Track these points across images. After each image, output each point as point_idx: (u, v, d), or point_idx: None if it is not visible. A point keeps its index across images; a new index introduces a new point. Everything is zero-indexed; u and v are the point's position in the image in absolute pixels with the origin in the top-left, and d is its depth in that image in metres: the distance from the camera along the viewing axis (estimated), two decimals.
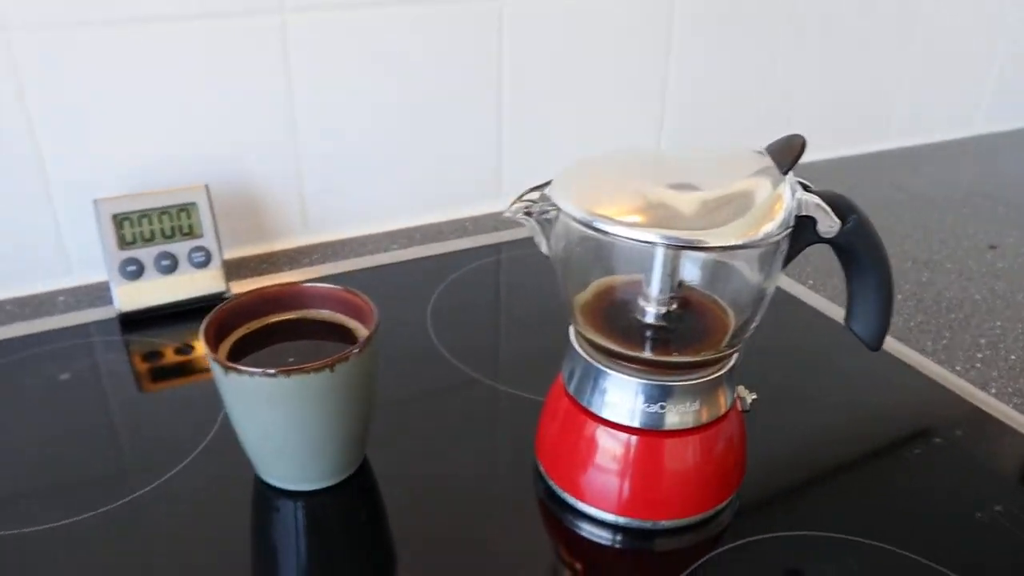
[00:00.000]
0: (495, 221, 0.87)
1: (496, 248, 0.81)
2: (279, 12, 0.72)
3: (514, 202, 0.47)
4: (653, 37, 0.88)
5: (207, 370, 0.62)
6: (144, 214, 0.68)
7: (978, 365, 0.65)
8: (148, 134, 0.72)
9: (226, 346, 0.50)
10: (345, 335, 0.51)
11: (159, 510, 0.49)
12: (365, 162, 0.81)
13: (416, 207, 0.85)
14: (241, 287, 0.72)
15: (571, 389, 0.50)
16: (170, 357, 0.65)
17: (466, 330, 0.67)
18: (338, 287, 0.52)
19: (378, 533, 0.48)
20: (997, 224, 0.90)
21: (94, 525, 0.48)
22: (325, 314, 0.53)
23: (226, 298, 0.69)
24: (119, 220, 0.68)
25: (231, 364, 0.45)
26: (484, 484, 0.52)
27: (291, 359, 0.50)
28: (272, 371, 0.45)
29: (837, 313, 0.70)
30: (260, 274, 0.76)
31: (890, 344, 0.66)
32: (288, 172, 0.78)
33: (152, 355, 0.65)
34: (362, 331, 0.51)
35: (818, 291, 0.75)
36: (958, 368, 0.65)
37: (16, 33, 0.65)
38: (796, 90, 1.01)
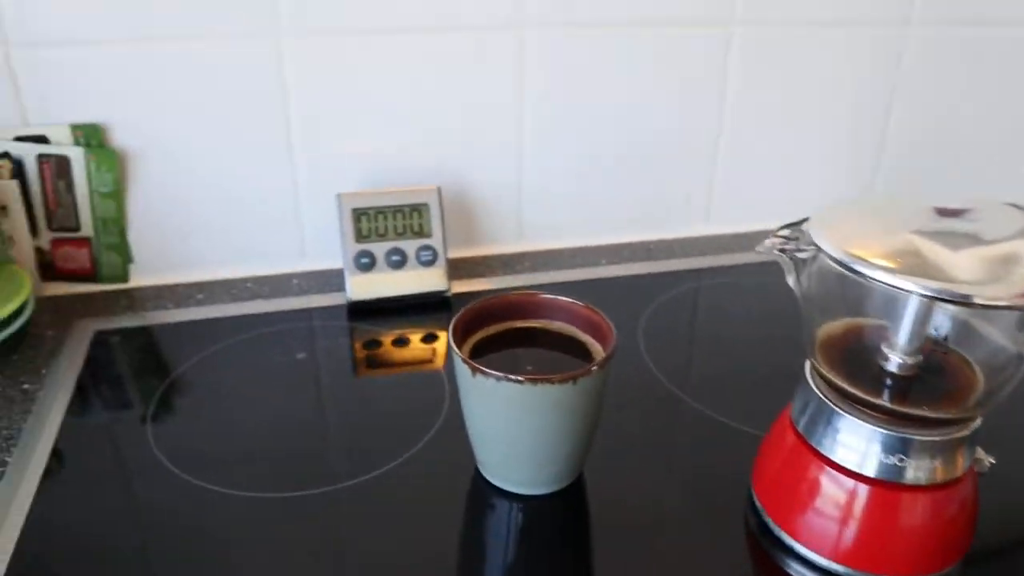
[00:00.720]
0: (702, 244, 0.87)
1: (701, 273, 0.81)
2: (519, 27, 0.75)
3: (768, 238, 0.47)
4: (872, 80, 0.86)
5: (424, 362, 0.66)
6: (380, 211, 0.73)
7: None
8: (387, 135, 0.76)
9: (468, 346, 0.53)
10: (579, 350, 0.53)
11: (381, 493, 0.53)
12: (582, 176, 0.83)
13: (626, 224, 0.86)
14: (459, 287, 0.76)
15: (800, 426, 0.49)
16: (388, 347, 0.69)
17: (679, 354, 0.68)
18: (580, 303, 0.54)
19: (583, 547, 0.50)
20: None
21: (319, 501, 0.52)
22: (564, 327, 0.55)
23: (446, 296, 0.74)
24: (358, 215, 0.72)
25: (478, 366, 0.48)
26: (693, 510, 0.52)
27: (528, 367, 0.52)
28: (519, 377, 0.47)
29: None
30: (476, 276, 0.79)
31: None
32: (510, 180, 0.81)
33: (373, 343, 0.69)
34: (596, 347, 0.53)
35: None
36: None
37: (286, 38, 0.71)
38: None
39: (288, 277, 0.78)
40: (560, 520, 0.51)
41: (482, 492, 0.53)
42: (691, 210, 0.88)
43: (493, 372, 0.47)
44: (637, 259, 0.84)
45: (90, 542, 0.49)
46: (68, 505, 0.51)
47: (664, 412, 0.61)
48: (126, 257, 0.76)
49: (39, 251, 0.74)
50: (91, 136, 0.71)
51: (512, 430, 0.49)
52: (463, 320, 0.52)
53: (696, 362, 0.67)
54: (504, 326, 0.54)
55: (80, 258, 0.75)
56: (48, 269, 0.74)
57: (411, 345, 0.69)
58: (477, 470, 0.54)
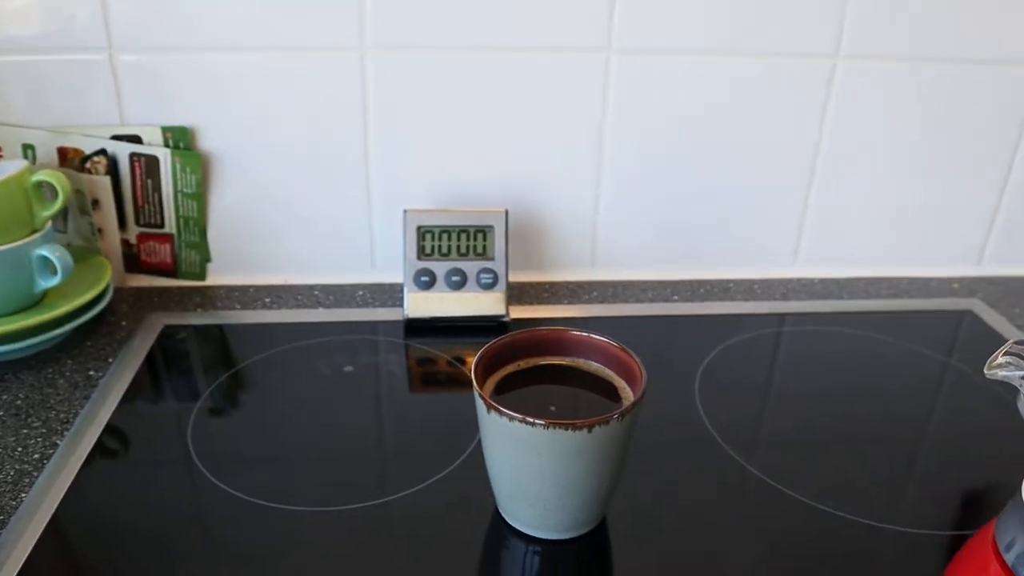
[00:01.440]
0: (784, 287, 0.82)
1: (782, 318, 0.76)
2: (605, 51, 0.73)
3: (998, 355, 0.40)
4: (995, 125, 0.79)
5: (471, 386, 0.65)
6: (445, 230, 0.72)
7: None
8: (459, 154, 0.76)
9: (494, 380, 0.51)
10: (610, 391, 0.51)
11: (405, 516, 0.52)
12: (662, 207, 0.80)
13: (705, 260, 0.83)
14: (519, 312, 0.75)
15: (1010, 559, 0.40)
16: (442, 366, 0.68)
17: (737, 406, 0.63)
18: (614, 343, 0.51)
19: None
20: None
21: (340, 517, 0.52)
22: (595, 367, 0.53)
23: (503, 321, 0.73)
24: (422, 232, 0.72)
25: (494, 404, 0.46)
26: None
27: (552, 407, 0.50)
28: (532, 420, 0.45)
29: None
30: (540, 303, 0.78)
31: None
32: (586, 208, 0.79)
33: (426, 361, 0.69)
34: (626, 392, 0.50)
35: None
36: None
37: (369, 52, 0.72)
38: None
39: (355, 288, 0.79)
40: (576, 568, 0.49)
41: (499, 531, 0.51)
42: (777, 251, 0.83)
43: (507, 412, 0.46)
44: (713, 298, 0.80)
45: (115, 533, 0.50)
46: (102, 493, 0.53)
47: (706, 467, 0.57)
48: (204, 256, 0.78)
49: (126, 244, 0.77)
50: (179, 138, 0.74)
51: (526, 472, 0.48)
52: (488, 355, 0.51)
53: (754, 418, 0.63)
54: (533, 362, 0.53)
55: (162, 253, 0.78)
56: (133, 261, 0.78)
57: (461, 368, 0.68)
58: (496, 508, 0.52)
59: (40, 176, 0.67)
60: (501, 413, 0.46)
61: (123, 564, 0.48)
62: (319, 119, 0.74)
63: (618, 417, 0.46)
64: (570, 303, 0.78)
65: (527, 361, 0.53)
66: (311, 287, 0.79)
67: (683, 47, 0.73)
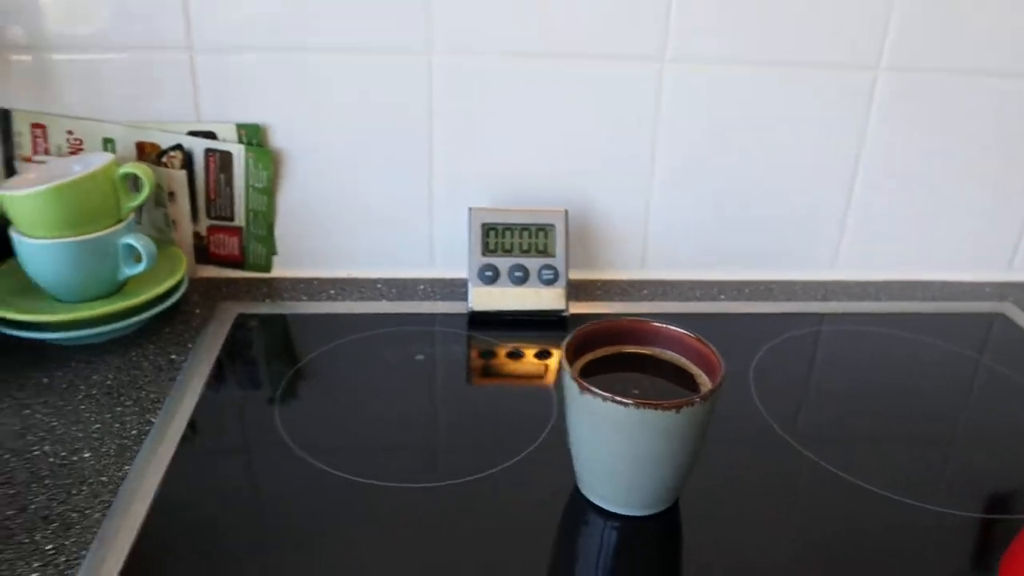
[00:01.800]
0: (824, 289, 0.86)
1: (822, 318, 0.80)
2: (661, 60, 0.77)
3: None
4: None
5: (535, 377, 0.68)
6: (508, 227, 0.76)
7: None
8: (522, 155, 0.79)
9: (578, 365, 0.55)
10: (687, 380, 0.54)
11: (481, 495, 0.55)
12: (710, 210, 0.83)
13: (749, 262, 0.86)
14: (577, 308, 0.78)
15: None
16: (502, 358, 0.71)
17: (790, 399, 0.67)
18: (691, 334, 0.55)
19: (673, 573, 0.50)
20: None
21: (422, 494, 0.55)
22: (673, 356, 0.56)
23: (563, 316, 0.76)
24: (487, 229, 0.76)
25: (587, 385, 0.49)
26: (801, 560, 0.52)
27: (635, 391, 0.53)
28: (625, 400, 0.48)
29: None
30: (594, 299, 0.81)
31: None
32: (638, 209, 0.83)
33: (488, 353, 0.72)
34: (703, 379, 0.54)
35: None
36: None
37: (437, 57, 0.75)
38: None
39: (415, 282, 0.82)
40: (651, 543, 0.52)
41: (578, 509, 0.54)
42: (817, 253, 0.87)
43: (600, 392, 0.49)
44: (757, 297, 0.83)
45: (215, 508, 0.53)
46: (200, 467, 0.56)
47: (769, 456, 0.61)
48: (271, 249, 0.82)
49: (196, 235, 0.80)
50: (253, 135, 0.77)
51: (613, 450, 0.51)
52: (576, 339, 0.54)
53: (808, 409, 0.66)
54: (614, 349, 0.56)
55: (231, 245, 0.81)
56: (202, 253, 0.81)
57: (524, 359, 0.71)
58: (575, 486, 0.56)
59: (127, 168, 0.70)
60: (595, 394, 0.49)
61: (229, 527, 0.51)
62: (386, 120, 0.77)
63: (701, 400, 0.49)
64: (623, 300, 0.82)
65: (609, 348, 0.56)
66: (373, 280, 0.83)
67: (732, 58, 0.77)
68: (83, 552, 0.49)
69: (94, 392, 0.64)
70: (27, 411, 0.62)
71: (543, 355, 0.71)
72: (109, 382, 0.66)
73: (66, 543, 0.50)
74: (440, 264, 0.83)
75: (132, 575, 0.48)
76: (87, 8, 0.73)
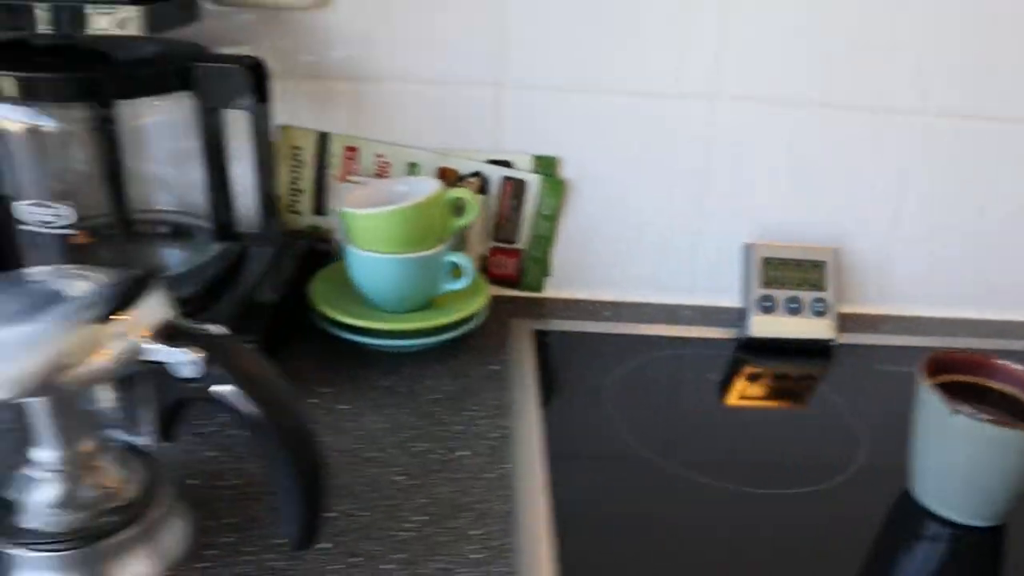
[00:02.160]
0: None
1: None
2: (912, 113, 0.83)
3: None
4: None
5: (807, 400, 0.74)
6: (784, 262, 0.82)
7: None
8: (784, 194, 0.86)
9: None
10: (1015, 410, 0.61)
11: (817, 507, 0.62)
12: (949, 251, 0.89)
13: (992, 299, 0.92)
14: (845, 339, 0.84)
15: None
16: (788, 383, 0.79)
17: None
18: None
19: None
20: None
21: (760, 499, 0.62)
22: (1000, 386, 0.62)
23: (831, 345, 0.82)
24: (766, 263, 0.82)
25: (959, 406, 0.56)
26: None
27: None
28: (1001, 422, 0.55)
29: None
30: (847, 331, 0.87)
31: None
32: (885, 250, 0.89)
33: (783, 376, 0.79)
34: None
35: None
36: None
37: (722, 101, 0.82)
38: None
39: (679, 308, 0.89)
40: (989, 553, 0.59)
41: (915, 517, 0.61)
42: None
43: (975, 414, 0.56)
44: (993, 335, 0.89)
45: (600, 502, 0.60)
46: (570, 471, 0.63)
47: None
48: (545, 270, 0.88)
49: (479, 256, 0.87)
50: (546, 167, 0.84)
51: (981, 466, 0.58)
52: (930, 367, 0.61)
53: None
54: (948, 378, 0.62)
55: (508, 266, 0.88)
56: (482, 272, 0.88)
57: (809, 383, 0.78)
58: (905, 496, 0.62)
59: (455, 193, 0.77)
60: (968, 416, 0.56)
61: (624, 522, 0.58)
62: (668, 157, 0.84)
63: None
64: (854, 332, 0.87)
65: (945, 377, 0.62)
66: (639, 304, 0.89)
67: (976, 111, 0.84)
68: (507, 540, 0.56)
69: (438, 397, 0.71)
70: (388, 410, 0.69)
71: (805, 379, 0.80)
72: (446, 387, 0.72)
73: (492, 530, 0.56)
74: (701, 292, 0.89)
75: (569, 561, 0.54)
76: (407, 43, 0.80)
